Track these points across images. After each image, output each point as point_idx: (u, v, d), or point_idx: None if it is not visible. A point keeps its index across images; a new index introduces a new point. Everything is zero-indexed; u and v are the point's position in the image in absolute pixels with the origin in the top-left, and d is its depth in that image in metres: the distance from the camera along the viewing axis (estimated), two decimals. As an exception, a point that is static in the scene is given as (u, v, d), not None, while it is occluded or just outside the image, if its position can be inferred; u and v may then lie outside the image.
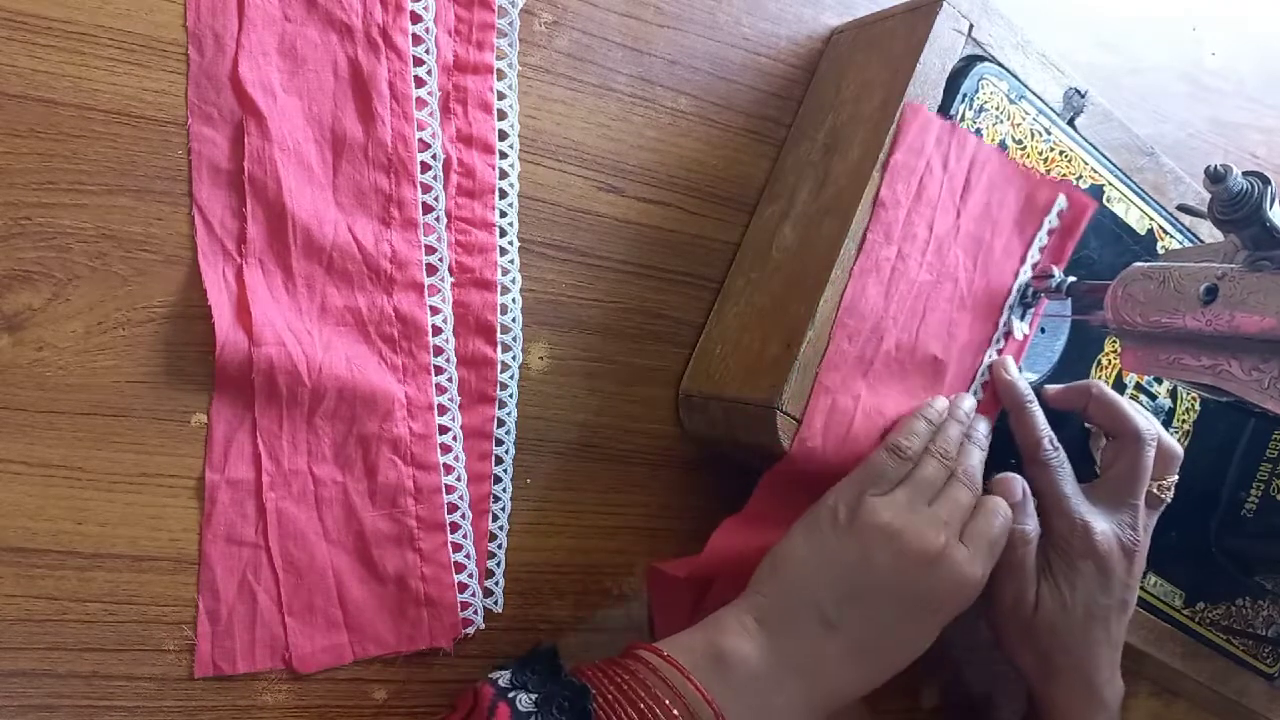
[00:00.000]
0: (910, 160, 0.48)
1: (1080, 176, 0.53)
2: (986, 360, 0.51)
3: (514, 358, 0.50)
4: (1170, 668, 0.60)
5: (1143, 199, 0.55)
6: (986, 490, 0.48)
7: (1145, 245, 0.56)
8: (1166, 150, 0.56)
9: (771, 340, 0.49)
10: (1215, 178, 0.40)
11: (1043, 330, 0.53)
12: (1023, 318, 0.52)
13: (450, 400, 0.48)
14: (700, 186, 0.55)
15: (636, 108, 0.53)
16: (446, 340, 0.48)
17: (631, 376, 0.54)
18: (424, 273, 0.47)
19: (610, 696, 0.41)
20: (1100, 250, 0.54)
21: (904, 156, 0.48)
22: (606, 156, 0.52)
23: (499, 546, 0.50)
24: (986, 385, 0.51)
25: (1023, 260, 0.52)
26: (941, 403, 0.49)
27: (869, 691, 0.44)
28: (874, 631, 0.43)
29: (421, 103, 0.47)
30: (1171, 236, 0.56)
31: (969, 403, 0.50)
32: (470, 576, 0.49)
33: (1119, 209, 0.55)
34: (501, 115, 0.49)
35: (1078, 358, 0.54)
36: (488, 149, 0.49)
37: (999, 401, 0.51)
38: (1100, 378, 0.55)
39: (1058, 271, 0.51)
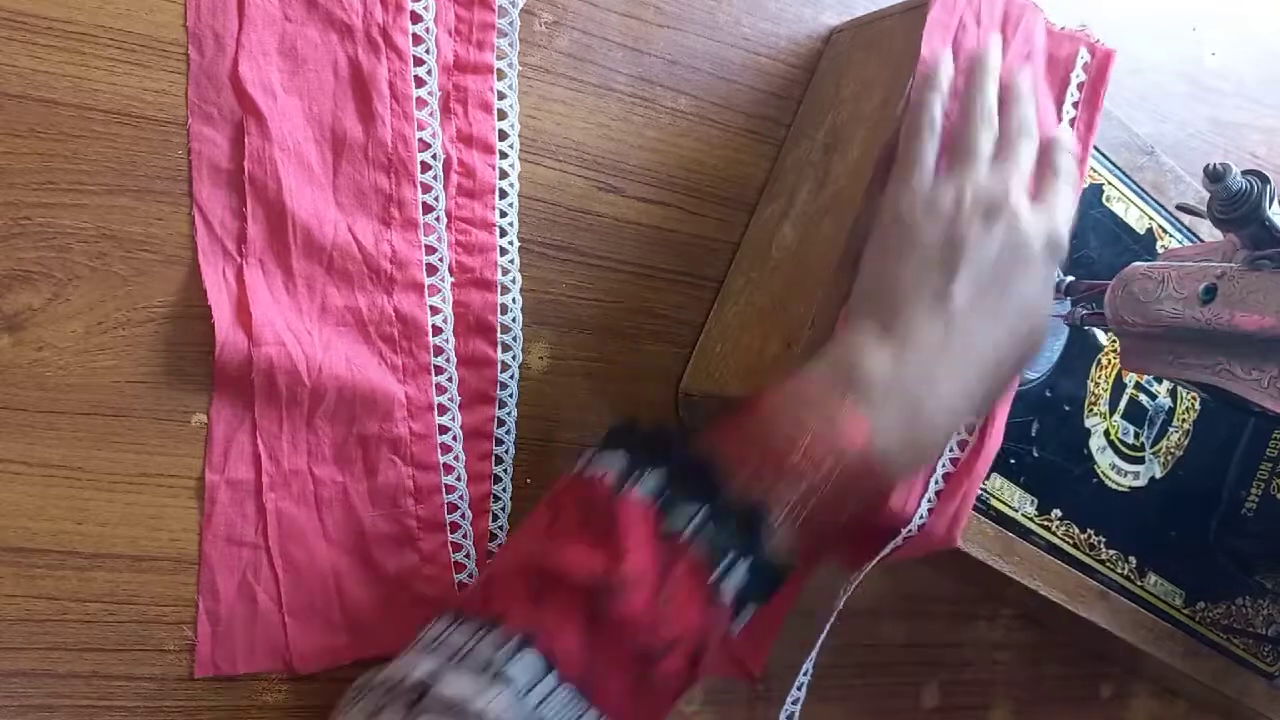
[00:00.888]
0: (944, 17, 0.47)
1: (1080, 176, 0.53)
2: None
3: (514, 358, 0.50)
4: (1170, 667, 0.60)
5: (1142, 198, 0.55)
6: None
7: (1145, 244, 0.55)
8: (1166, 150, 0.56)
9: (771, 339, 0.49)
10: (1214, 176, 0.40)
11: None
12: None
13: (450, 400, 0.48)
14: (700, 186, 0.55)
15: (636, 108, 0.53)
16: (446, 340, 0.48)
17: (631, 376, 0.54)
18: (424, 273, 0.47)
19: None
20: (1099, 249, 0.54)
21: (939, 13, 0.47)
22: (606, 156, 0.52)
23: (499, 546, 0.50)
24: None
25: (1058, 120, 0.50)
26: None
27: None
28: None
29: (422, 102, 0.47)
30: (1171, 236, 0.56)
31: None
32: (470, 576, 0.48)
33: (1118, 208, 0.55)
34: (502, 115, 0.49)
35: (1078, 357, 0.54)
36: (488, 149, 0.49)
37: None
38: (1100, 378, 0.55)
39: (1058, 272, 0.51)
